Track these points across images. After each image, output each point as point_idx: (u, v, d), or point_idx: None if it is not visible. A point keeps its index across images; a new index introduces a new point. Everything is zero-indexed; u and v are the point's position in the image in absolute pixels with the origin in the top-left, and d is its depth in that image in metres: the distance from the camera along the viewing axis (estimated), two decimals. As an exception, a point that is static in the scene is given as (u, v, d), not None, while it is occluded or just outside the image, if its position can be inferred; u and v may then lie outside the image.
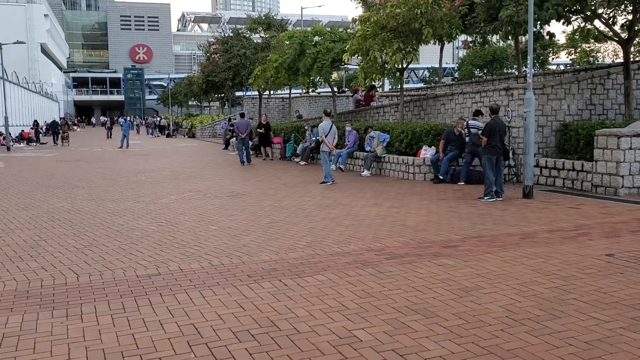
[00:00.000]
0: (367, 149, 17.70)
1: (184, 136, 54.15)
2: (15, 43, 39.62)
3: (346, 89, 56.26)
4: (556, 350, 4.30)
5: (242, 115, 25.25)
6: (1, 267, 6.96)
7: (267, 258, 7.19)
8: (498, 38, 24.67)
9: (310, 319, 5.03)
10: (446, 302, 5.42)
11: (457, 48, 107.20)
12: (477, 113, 14.98)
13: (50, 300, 5.68)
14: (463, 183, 14.50)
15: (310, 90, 26.93)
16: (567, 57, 50.29)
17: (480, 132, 14.07)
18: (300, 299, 5.58)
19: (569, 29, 17.31)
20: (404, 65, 18.22)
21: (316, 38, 22.84)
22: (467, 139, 14.67)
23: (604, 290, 5.72)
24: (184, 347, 4.47)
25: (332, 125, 15.55)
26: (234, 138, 27.13)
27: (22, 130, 44.94)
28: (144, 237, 8.69)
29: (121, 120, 49.10)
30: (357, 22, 18.48)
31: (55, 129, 42.56)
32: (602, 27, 16.22)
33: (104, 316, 5.19)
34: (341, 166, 18.70)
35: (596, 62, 43.59)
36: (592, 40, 21.69)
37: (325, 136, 15.35)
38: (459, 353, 4.28)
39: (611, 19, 15.35)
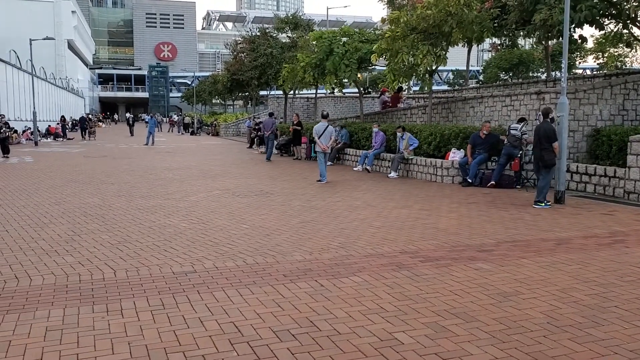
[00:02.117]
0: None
1: (208, 134, 54.41)
2: (44, 39, 40.05)
3: (370, 90, 56.24)
4: (601, 359, 4.25)
5: (270, 114, 26.46)
6: (39, 261, 7.04)
7: (301, 258, 7.19)
8: (530, 41, 24.47)
9: (350, 320, 5.02)
10: (485, 307, 5.38)
11: (482, 50, 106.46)
12: (521, 120, 14.83)
13: (89, 295, 5.73)
14: (494, 183, 14.38)
15: (336, 91, 26.94)
16: (595, 62, 49.78)
17: (523, 135, 14.21)
18: (338, 300, 5.57)
19: (600, 33, 17.13)
20: (434, 68, 18.15)
21: (344, 39, 22.79)
22: (504, 140, 14.60)
23: (646, 299, 5.64)
24: (225, 345, 4.49)
25: (327, 126, 16.09)
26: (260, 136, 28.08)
27: (49, 126, 45.47)
28: (176, 234, 8.74)
29: (146, 117, 49.47)
30: (386, 22, 18.43)
31: (84, 125, 43.62)
32: (637, 32, 16.01)
33: (144, 312, 5.23)
34: (368, 167, 18.67)
35: (624, 67, 43.11)
36: (622, 45, 21.46)
37: (319, 137, 15.95)
38: (502, 358, 4.24)
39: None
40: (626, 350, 4.40)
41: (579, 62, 55.84)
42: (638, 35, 16.73)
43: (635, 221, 9.95)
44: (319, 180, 15.75)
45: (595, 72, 26.98)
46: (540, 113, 14.30)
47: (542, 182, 11.57)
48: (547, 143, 11.39)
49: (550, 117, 11.62)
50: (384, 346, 4.46)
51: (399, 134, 17.48)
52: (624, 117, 15.06)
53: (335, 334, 4.72)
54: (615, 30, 16.82)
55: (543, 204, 11.40)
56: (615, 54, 43.46)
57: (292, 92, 34.43)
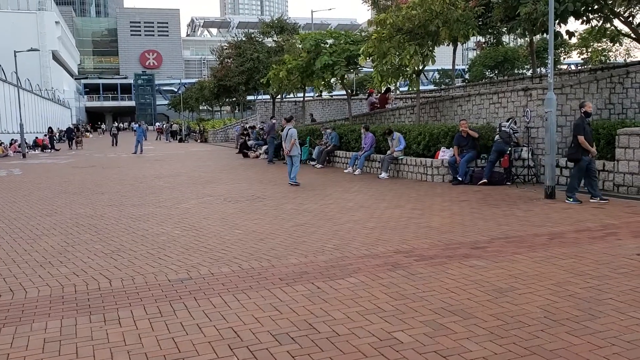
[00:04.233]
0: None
1: (196, 141, 54.31)
2: (29, 50, 39.90)
3: (358, 92, 56.34)
4: (600, 350, 4.28)
5: (272, 118, 27.28)
6: (33, 273, 7.00)
7: (297, 261, 7.20)
8: (514, 37, 24.67)
9: (348, 322, 5.03)
10: (482, 303, 5.41)
11: (467, 49, 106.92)
12: (510, 118, 14.90)
13: (86, 305, 5.71)
14: (486, 181, 14.42)
15: (323, 92, 27.11)
16: (579, 57, 50.15)
17: (514, 133, 14.26)
18: (335, 302, 5.58)
19: (584, 27, 17.32)
20: (421, 68, 18.21)
21: (330, 41, 22.86)
22: (496, 137, 14.63)
23: (640, 290, 5.70)
24: (225, 350, 4.48)
25: (288, 129, 16.09)
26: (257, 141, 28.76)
27: (36, 137, 45.23)
28: (170, 241, 8.72)
29: (134, 125, 49.49)
30: (372, 24, 18.48)
31: (70, 135, 44.86)
32: (621, 26, 16.16)
33: (142, 320, 5.22)
34: (358, 170, 18.66)
35: (608, 61, 43.45)
36: (606, 40, 21.69)
37: (284, 142, 16.32)
38: (501, 354, 4.27)
39: (630, 18, 15.30)
40: (623, 341, 4.44)
41: (564, 58, 56.28)
42: (621, 30, 16.88)
43: (626, 213, 10.03)
44: (292, 182, 15.78)
45: (580, 67, 27.15)
46: (528, 110, 14.42)
47: (570, 178, 11.53)
48: (574, 137, 11.36)
49: (582, 110, 11.46)
50: (383, 346, 4.47)
51: (392, 137, 17.50)
52: (611, 111, 15.17)
53: (334, 335, 4.73)
54: (599, 24, 16.92)
55: (571, 200, 11.34)
56: (599, 48, 43.80)
57: (279, 96, 34.44)
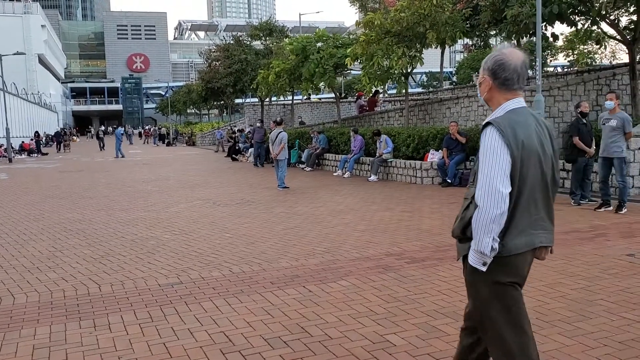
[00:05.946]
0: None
1: (184, 144, 54.11)
2: (15, 54, 39.65)
3: (347, 94, 56.39)
4: (592, 351, 4.29)
5: (261, 121, 26.98)
6: (21, 279, 6.93)
7: (288, 264, 7.17)
8: (501, 40, 24.77)
9: (341, 325, 5.01)
10: (474, 305, 5.40)
11: (454, 52, 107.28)
12: None
13: (75, 311, 5.65)
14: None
15: (312, 96, 27.13)
16: (565, 59, 50.49)
17: None
18: (327, 305, 5.57)
19: (570, 30, 17.44)
20: (409, 70, 18.24)
21: (319, 44, 22.86)
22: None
23: (631, 291, 5.71)
24: (217, 355, 4.45)
25: (278, 133, 15.89)
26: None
27: (23, 142, 44.93)
28: (159, 246, 8.66)
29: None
30: (360, 26, 18.50)
31: (59, 138, 45.84)
32: (606, 28, 16.27)
33: (132, 326, 5.17)
34: (348, 173, 18.65)
35: (593, 63, 43.77)
36: (591, 42, 21.86)
37: (272, 144, 16.04)
38: (494, 356, 4.26)
39: (615, 20, 15.40)
40: (615, 341, 4.45)
41: (550, 60, 56.68)
42: (607, 32, 16.98)
43: (614, 215, 10.08)
44: (281, 187, 15.66)
45: (567, 70, 27.33)
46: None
47: (570, 182, 11.48)
48: (569, 138, 11.22)
49: (578, 110, 11.31)
50: (376, 349, 4.46)
51: (380, 140, 17.52)
52: (598, 113, 15.23)
53: (326, 339, 4.71)
54: (585, 27, 17.03)
55: (572, 202, 11.30)
56: (585, 51, 44.11)
57: (267, 99, 34.39)
